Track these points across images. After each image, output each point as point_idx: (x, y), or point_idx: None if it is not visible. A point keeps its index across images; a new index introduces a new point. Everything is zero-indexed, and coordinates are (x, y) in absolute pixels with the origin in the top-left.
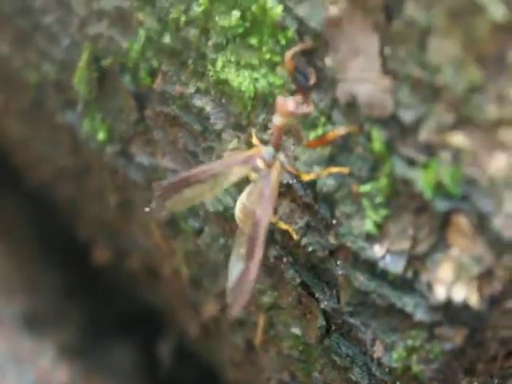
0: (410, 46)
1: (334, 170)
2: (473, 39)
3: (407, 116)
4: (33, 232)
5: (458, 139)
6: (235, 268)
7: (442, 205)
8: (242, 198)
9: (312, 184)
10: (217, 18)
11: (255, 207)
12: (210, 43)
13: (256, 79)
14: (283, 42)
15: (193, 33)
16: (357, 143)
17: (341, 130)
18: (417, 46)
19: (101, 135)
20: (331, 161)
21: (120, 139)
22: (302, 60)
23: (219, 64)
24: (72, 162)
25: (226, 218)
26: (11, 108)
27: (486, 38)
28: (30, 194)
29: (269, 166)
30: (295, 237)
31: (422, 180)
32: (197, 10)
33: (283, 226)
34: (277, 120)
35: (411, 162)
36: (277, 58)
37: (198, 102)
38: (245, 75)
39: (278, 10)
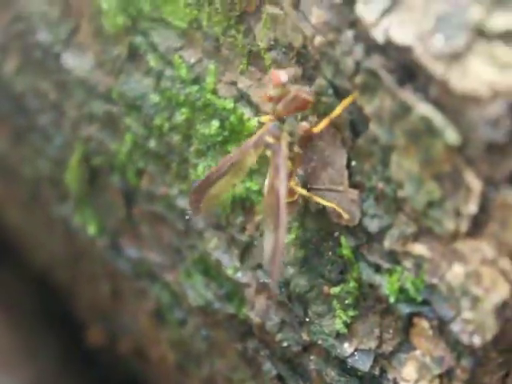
0: (374, 161)
1: None
2: (430, 158)
3: (373, 225)
4: (34, 308)
5: (419, 249)
6: (268, 243)
7: (404, 309)
8: (267, 179)
9: (286, 283)
10: (198, 126)
11: (274, 180)
12: (192, 149)
13: (233, 184)
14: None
15: (176, 139)
16: (328, 248)
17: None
18: (380, 162)
19: (91, 229)
20: (304, 263)
21: (110, 233)
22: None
23: (200, 169)
24: (66, 251)
25: (207, 312)
26: (10, 198)
27: (441, 158)
28: (32, 273)
29: (277, 138)
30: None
31: (386, 285)
32: (179, 118)
33: (300, 190)
34: (272, 92)
35: (377, 268)
36: (253, 166)
37: (181, 202)
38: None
39: (254, 122)
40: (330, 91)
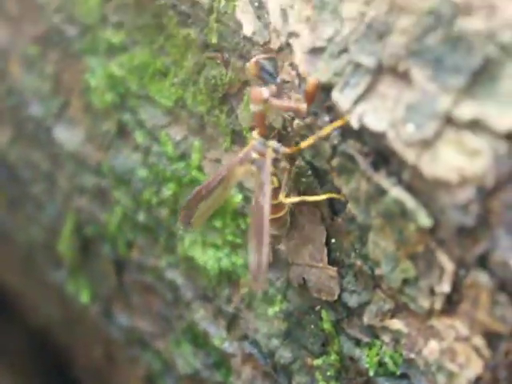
0: (353, 239)
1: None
2: (404, 239)
3: (352, 301)
4: (33, 362)
5: (397, 324)
6: (251, 258)
7: (383, 382)
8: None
9: (271, 354)
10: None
11: (258, 197)
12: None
13: (220, 258)
14: (243, 226)
15: (164, 213)
16: (310, 321)
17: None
18: (358, 240)
19: (84, 297)
20: (288, 335)
21: (102, 301)
22: (267, 62)
23: (187, 243)
24: (62, 314)
25: (195, 380)
26: (7, 262)
27: (415, 239)
28: (32, 331)
29: (262, 154)
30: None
31: (366, 358)
32: (167, 192)
33: (290, 199)
34: (254, 109)
35: (357, 342)
36: (238, 240)
37: (170, 274)
38: (210, 254)
39: (238, 198)
40: (310, 172)
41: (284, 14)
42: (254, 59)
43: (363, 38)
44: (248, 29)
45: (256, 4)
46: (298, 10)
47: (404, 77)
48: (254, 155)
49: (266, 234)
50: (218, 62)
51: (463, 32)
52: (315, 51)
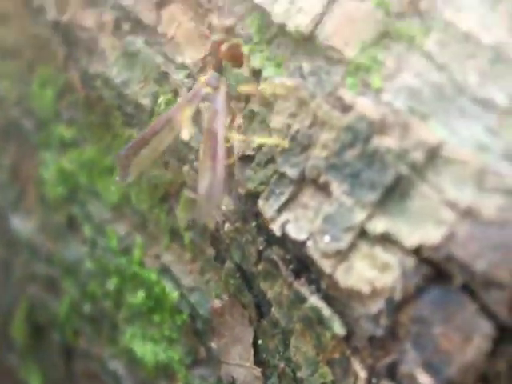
0: (277, 342)
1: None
2: (322, 345)
3: None
4: None
5: None
6: (204, 180)
7: None
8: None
9: None
10: (127, 295)
11: (211, 125)
12: (121, 316)
13: (157, 352)
14: (179, 322)
15: (108, 305)
16: None
17: None
18: (282, 343)
19: (35, 383)
20: None
21: None
22: None
23: (128, 335)
24: None
25: None
26: None
27: (331, 346)
28: None
29: (215, 88)
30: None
31: None
32: (111, 285)
33: (236, 136)
34: (216, 36)
35: None
36: (174, 335)
37: (112, 364)
38: (148, 348)
39: (175, 294)
40: (238, 274)
41: None
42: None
43: (288, 150)
44: (185, 133)
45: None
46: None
47: (324, 189)
48: (207, 90)
49: (221, 155)
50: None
51: (378, 149)
52: (245, 159)
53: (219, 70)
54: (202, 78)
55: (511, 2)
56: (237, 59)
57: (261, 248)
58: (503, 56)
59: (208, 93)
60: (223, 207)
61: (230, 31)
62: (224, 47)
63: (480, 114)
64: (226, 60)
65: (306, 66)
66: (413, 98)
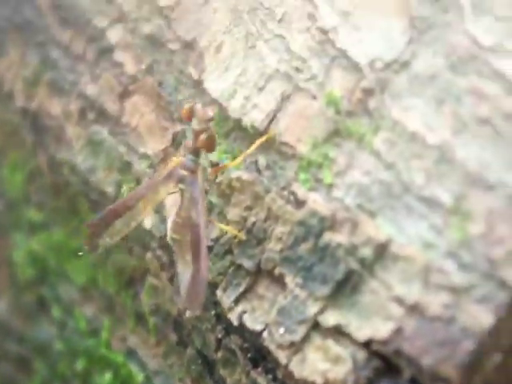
0: None
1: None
2: None
3: None
4: None
5: None
6: (184, 276)
7: None
8: (171, 217)
9: None
10: (95, 376)
11: (190, 213)
12: None
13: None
14: None
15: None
16: None
17: None
18: None
19: None
20: None
21: None
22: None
23: None
24: None
25: None
26: None
27: None
28: None
29: (192, 171)
30: (239, 234)
31: None
32: (79, 366)
33: (221, 225)
34: (196, 126)
35: None
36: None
37: None
38: None
39: (140, 377)
40: (199, 360)
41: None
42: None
43: (245, 242)
44: (147, 222)
45: None
46: None
47: (279, 281)
48: (183, 172)
49: (203, 250)
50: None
51: (329, 244)
52: None
53: (197, 154)
54: (177, 159)
55: (455, 103)
56: (212, 147)
57: (220, 336)
58: (447, 156)
59: (184, 175)
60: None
61: (210, 121)
62: (203, 137)
63: (426, 212)
64: (202, 147)
65: (262, 161)
66: (362, 195)
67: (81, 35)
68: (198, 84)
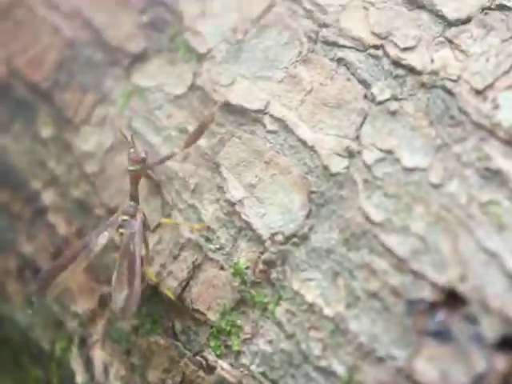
0: None
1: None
2: None
3: None
4: None
5: None
6: (121, 293)
7: None
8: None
9: None
10: None
11: (128, 246)
12: None
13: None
14: None
15: None
16: None
17: None
18: None
19: None
20: None
21: None
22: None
23: None
24: None
25: None
26: None
27: None
28: None
29: (132, 216)
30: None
31: None
32: None
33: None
34: (131, 168)
35: None
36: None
37: None
38: None
39: None
40: None
41: (106, 370)
42: None
43: None
44: (79, 378)
45: (85, 358)
46: (116, 368)
47: None
48: (123, 217)
49: (138, 271)
50: None
51: None
52: None
53: (136, 199)
54: (119, 211)
55: (348, 277)
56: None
57: None
58: (341, 328)
59: (125, 219)
60: None
61: (143, 162)
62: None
63: (323, 382)
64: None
65: (178, 326)
66: (265, 363)
67: (19, 195)
68: None
